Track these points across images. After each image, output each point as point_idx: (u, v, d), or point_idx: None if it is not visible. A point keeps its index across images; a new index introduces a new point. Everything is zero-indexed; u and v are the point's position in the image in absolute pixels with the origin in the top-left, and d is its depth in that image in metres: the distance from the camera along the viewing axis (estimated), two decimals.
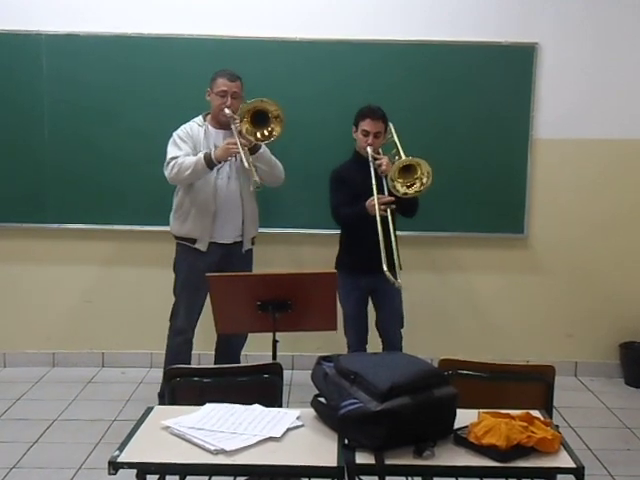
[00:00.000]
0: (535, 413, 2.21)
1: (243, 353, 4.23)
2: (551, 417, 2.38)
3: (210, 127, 3.87)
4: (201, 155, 3.70)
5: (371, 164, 3.72)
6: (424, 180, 3.59)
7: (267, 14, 4.46)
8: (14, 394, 4.27)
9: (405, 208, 3.79)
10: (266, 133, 3.64)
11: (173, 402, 2.52)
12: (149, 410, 2.32)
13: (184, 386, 2.54)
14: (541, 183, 4.62)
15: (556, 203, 4.66)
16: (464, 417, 2.14)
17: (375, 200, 3.61)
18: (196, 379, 2.56)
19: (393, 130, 3.88)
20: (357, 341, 3.94)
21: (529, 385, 2.61)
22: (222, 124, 3.82)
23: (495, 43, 4.45)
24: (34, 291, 4.72)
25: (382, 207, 3.62)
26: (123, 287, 4.64)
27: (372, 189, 3.66)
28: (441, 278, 4.72)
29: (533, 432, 2.04)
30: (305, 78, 4.45)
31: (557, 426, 2.20)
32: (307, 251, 4.62)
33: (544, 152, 4.58)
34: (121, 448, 2.04)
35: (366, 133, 3.77)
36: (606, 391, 4.54)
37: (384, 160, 3.71)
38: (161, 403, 3.90)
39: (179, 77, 4.37)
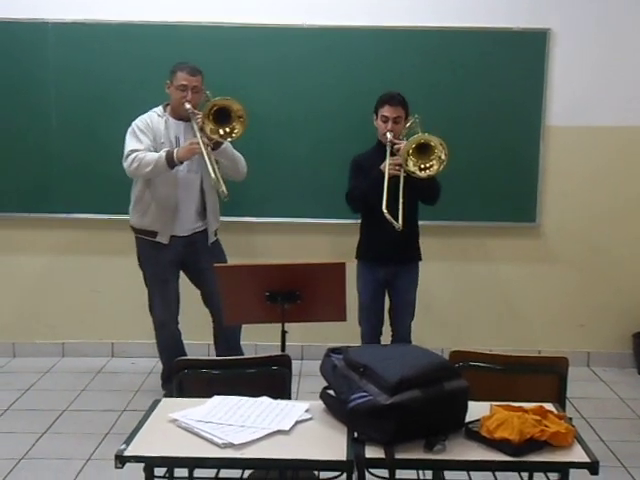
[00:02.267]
0: (548, 406, 2.17)
1: (252, 343, 4.23)
2: (564, 410, 2.35)
3: (170, 118, 3.82)
4: (163, 154, 3.65)
5: (387, 148, 3.66)
6: (442, 156, 3.53)
7: (275, 1, 4.41)
8: (23, 384, 4.27)
9: (425, 193, 3.74)
10: (228, 130, 3.62)
11: (181, 394, 2.50)
12: (156, 403, 2.30)
13: (192, 378, 2.52)
14: (553, 171, 4.56)
15: (568, 191, 4.60)
16: (476, 410, 2.11)
17: (387, 162, 3.56)
18: (204, 371, 2.53)
19: (418, 121, 3.78)
20: (370, 332, 3.92)
21: (542, 377, 2.57)
22: (182, 116, 3.78)
23: (507, 29, 4.38)
24: (42, 281, 4.71)
25: (396, 167, 3.57)
26: (132, 277, 4.59)
27: (391, 176, 3.60)
28: (452, 267, 4.68)
29: (546, 426, 2.00)
30: (313, 66, 4.41)
31: (570, 418, 2.17)
32: (318, 241, 4.58)
33: (556, 139, 4.52)
34: (128, 441, 2.02)
35: (385, 119, 3.73)
36: (619, 381, 4.50)
37: (402, 144, 3.64)
38: (165, 385, 3.92)
39: None
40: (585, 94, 4.49)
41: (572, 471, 2.05)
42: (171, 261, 3.90)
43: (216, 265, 3.18)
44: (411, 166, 3.57)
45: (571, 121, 4.51)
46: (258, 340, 4.21)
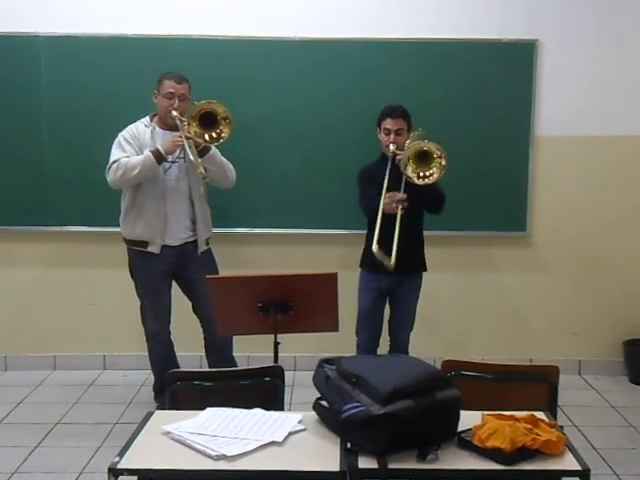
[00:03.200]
0: (540, 415, 2.19)
1: (245, 355, 4.23)
2: (555, 418, 2.36)
3: (157, 128, 3.84)
4: (148, 152, 3.68)
5: (389, 161, 3.71)
6: (442, 162, 3.57)
7: (270, 15, 4.44)
8: (15, 398, 4.26)
9: (429, 201, 3.77)
10: (214, 135, 3.65)
11: (174, 406, 2.50)
12: (149, 415, 2.30)
13: (185, 390, 2.53)
14: (543, 181, 4.59)
15: (558, 201, 4.63)
16: (468, 419, 2.12)
17: (384, 198, 3.59)
18: (197, 383, 2.54)
19: (421, 134, 3.81)
20: (367, 341, 3.92)
21: (533, 386, 2.58)
22: (170, 126, 3.79)
23: (496, 40, 4.42)
24: (35, 294, 4.70)
25: (394, 205, 3.60)
26: (125, 289, 4.59)
27: (398, 187, 3.65)
28: (442, 277, 4.68)
29: (538, 434, 2.02)
30: (309, 79, 4.44)
31: (562, 427, 2.18)
32: (309, 251, 4.58)
33: (546, 149, 4.56)
34: (121, 454, 2.02)
35: (388, 131, 3.79)
36: (610, 389, 4.51)
37: (404, 154, 3.68)
38: (157, 397, 3.92)
39: None
40: (574, 104, 4.53)
41: (564, 479, 2.07)
42: (163, 272, 3.90)
43: (208, 277, 3.18)
44: (410, 172, 3.61)
45: (560, 131, 4.55)
46: (251, 352, 4.21)
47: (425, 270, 3.97)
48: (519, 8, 4.45)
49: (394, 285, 3.84)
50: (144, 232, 3.83)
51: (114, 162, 3.72)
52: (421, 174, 3.62)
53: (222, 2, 4.44)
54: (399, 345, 3.92)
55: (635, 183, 4.63)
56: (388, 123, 3.78)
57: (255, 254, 4.60)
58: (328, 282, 3.13)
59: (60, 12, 4.39)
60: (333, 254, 4.24)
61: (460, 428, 2.10)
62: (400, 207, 3.61)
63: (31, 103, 4.43)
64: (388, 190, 3.64)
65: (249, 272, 4.13)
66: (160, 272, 3.89)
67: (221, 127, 3.63)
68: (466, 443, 2.05)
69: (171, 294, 4.02)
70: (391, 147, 3.73)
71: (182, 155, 3.78)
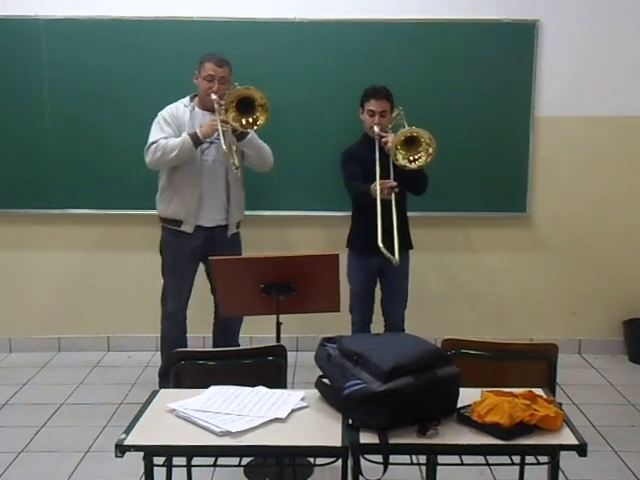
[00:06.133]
0: (538, 391, 2.22)
1: (248, 335, 4.25)
2: (554, 395, 2.39)
3: (197, 109, 3.85)
4: (185, 135, 3.69)
5: (377, 142, 3.73)
6: (430, 150, 3.59)
7: None
8: (21, 379, 4.31)
9: (413, 184, 3.80)
10: (251, 120, 3.63)
11: (178, 385, 2.54)
12: (155, 393, 2.33)
13: (189, 369, 2.55)
14: (543, 161, 4.60)
15: (558, 181, 4.65)
16: (467, 396, 2.15)
17: (377, 185, 3.61)
18: (201, 362, 2.57)
19: (402, 113, 3.89)
20: (361, 320, 3.98)
21: (532, 363, 2.61)
22: (209, 107, 3.79)
23: (496, 21, 4.42)
24: (38, 276, 4.74)
25: (386, 191, 3.62)
26: (127, 271, 4.65)
27: (386, 170, 3.67)
28: (444, 258, 4.72)
29: (536, 410, 2.05)
30: (304, 59, 4.43)
31: (560, 403, 2.22)
32: (311, 233, 4.62)
33: (546, 130, 4.56)
34: (127, 431, 2.05)
35: (372, 113, 3.79)
36: (610, 368, 4.56)
37: (390, 137, 3.70)
38: (162, 383, 3.94)
39: (178, 60, 4.31)
40: (574, 85, 4.53)
41: (563, 454, 2.10)
42: (192, 253, 3.88)
43: (211, 258, 3.21)
44: (401, 159, 3.63)
45: (560, 111, 4.56)
46: (253, 333, 4.24)
47: (412, 248, 3.97)
48: None
49: (383, 264, 3.81)
50: (179, 211, 3.84)
51: (153, 143, 3.72)
52: (411, 158, 3.64)
53: None
54: (395, 323, 3.95)
55: (635, 163, 4.64)
56: (372, 104, 3.79)
57: (257, 236, 4.58)
58: (329, 263, 3.16)
59: None
60: (334, 235, 4.25)
61: (460, 404, 2.14)
62: (392, 193, 3.63)
63: (33, 86, 4.44)
64: (379, 175, 3.66)
65: (251, 253, 4.16)
66: (189, 253, 3.88)
67: (257, 113, 3.60)
68: (465, 419, 2.08)
69: (194, 278, 4.00)
70: (375, 129, 3.75)
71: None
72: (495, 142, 4.55)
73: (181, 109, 3.84)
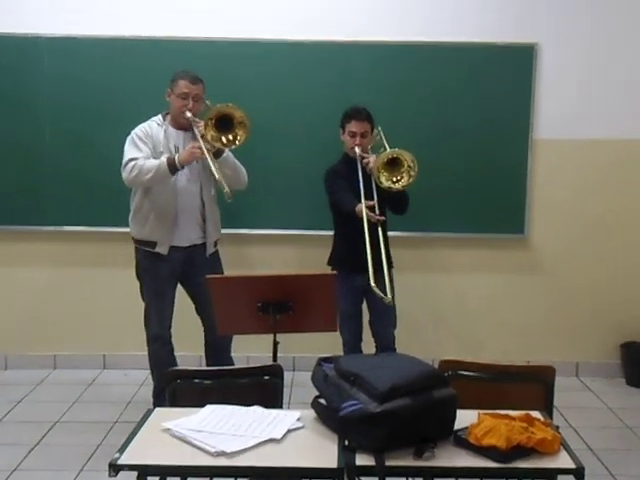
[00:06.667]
0: (535, 414, 2.21)
1: (244, 355, 4.24)
2: (551, 418, 2.39)
3: (170, 127, 3.80)
4: (164, 159, 3.62)
5: (359, 163, 3.76)
6: (411, 172, 3.61)
7: (264, 16, 4.47)
8: (16, 396, 4.28)
9: (396, 203, 3.83)
10: (231, 138, 3.60)
11: (173, 404, 2.52)
12: (149, 412, 2.32)
13: (184, 388, 2.54)
14: (541, 184, 4.62)
15: (556, 204, 4.66)
16: (464, 418, 2.14)
17: (363, 207, 3.61)
18: (197, 381, 2.56)
19: (382, 133, 3.94)
20: (352, 339, 3.97)
21: (529, 386, 2.60)
22: (182, 125, 3.76)
23: (494, 44, 4.45)
24: (34, 293, 4.72)
25: (374, 219, 3.63)
26: (124, 288, 4.61)
27: (369, 190, 3.69)
28: (442, 279, 4.72)
29: (533, 433, 2.04)
30: (301, 80, 4.46)
31: (558, 426, 2.20)
32: (309, 252, 4.60)
33: (544, 152, 4.58)
34: (122, 450, 2.04)
35: (353, 134, 3.83)
36: (607, 391, 4.54)
37: (371, 158, 3.74)
38: (156, 403, 3.92)
39: None
40: (572, 108, 4.56)
41: (560, 478, 2.09)
42: (169, 274, 3.85)
43: (208, 277, 3.19)
44: (384, 181, 3.65)
45: (559, 134, 4.58)
46: (250, 352, 4.23)
47: (393, 267, 3.94)
48: (518, 11, 4.48)
49: (367, 283, 3.72)
50: (153, 232, 3.79)
51: (130, 160, 3.66)
52: (394, 179, 3.66)
53: (220, 5, 4.47)
54: (386, 344, 3.92)
55: (633, 186, 4.65)
56: (353, 126, 3.82)
57: (254, 254, 4.63)
58: (327, 283, 3.17)
59: (59, 14, 4.42)
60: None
61: (456, 427, 2.13)
62: (380, 215, 3.64)
63: (33, 102, 4.46)
64: (358, 192, 3.68)
65: (249, 272, 4.16)
66: (167, 274, 3.84)
67: (237, 130, 3.57)
68: (462, 441, 2.07)
69: (175, 297, 3.97)
70: (357, 150, 3.78)
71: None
72: (493, 164, 4.56)
73: (154, 127, 3.77)
